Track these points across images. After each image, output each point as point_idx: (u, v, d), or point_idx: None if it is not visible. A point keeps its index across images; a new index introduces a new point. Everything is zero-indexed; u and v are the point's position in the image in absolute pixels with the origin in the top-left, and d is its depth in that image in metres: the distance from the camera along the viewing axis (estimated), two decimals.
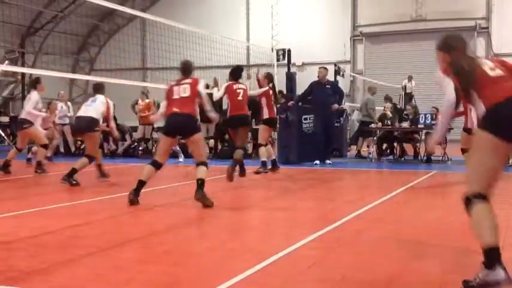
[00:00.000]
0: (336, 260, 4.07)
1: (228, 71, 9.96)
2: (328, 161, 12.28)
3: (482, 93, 3.40)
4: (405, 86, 21.25)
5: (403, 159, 13.32)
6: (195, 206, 6.79)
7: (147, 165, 6.61)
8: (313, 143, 12.31)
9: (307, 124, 12.59)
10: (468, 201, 3.41)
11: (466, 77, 3.51)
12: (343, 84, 16.29)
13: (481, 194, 3.42)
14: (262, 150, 10.18)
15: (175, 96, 6.60)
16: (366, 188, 9.11)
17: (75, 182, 8.21)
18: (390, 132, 13.19)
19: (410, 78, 19.94)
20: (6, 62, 23.87)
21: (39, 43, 26.44)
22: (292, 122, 12.32)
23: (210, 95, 13.74)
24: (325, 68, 12.60)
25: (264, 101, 10.14)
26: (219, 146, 14.81)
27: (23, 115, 9.90)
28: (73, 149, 15.37)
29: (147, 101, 14.88)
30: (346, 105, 17.38)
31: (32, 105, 9.72)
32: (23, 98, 25.62)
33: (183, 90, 6.60)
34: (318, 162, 12.22)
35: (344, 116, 14.21)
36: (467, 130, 8.22)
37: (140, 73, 28.16)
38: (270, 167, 10.28)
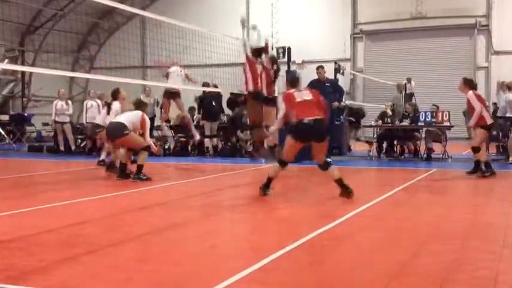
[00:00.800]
0: (337, 258, 4.06)
1: (227, 69, 9.97)
2: (328, 159, 12.23)
3: None
4: (405, 85, 21.22)
5: (403, 157, 13.30)
6: (195, 204, 6.79)
7: (275, 163, 7.06)
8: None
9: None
10: None
11: None
12: (344, 82, 16.28)
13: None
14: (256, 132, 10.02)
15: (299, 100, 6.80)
16: (366, 186, 9.10)
17: (145, 177, 8.39)
18: (390, 130, 13.18)
19: (409, 80, 19.89)
20: (6, 60, 23.85)
21: (39, 41, 26.41)
22: None
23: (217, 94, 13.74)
24: (322, 67, 12.59)
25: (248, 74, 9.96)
26: (219, 145, 14.81)
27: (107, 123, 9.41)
28: (73, 147, 15.35)
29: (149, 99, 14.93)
30: (346, 103, 17.35)
31: (113, 115, 9.44)
32: (23, 96, 25.77)
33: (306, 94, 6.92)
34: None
35: (344, 114, 14.18)
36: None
37: (140, 71, 28.14)
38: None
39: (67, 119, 15.31)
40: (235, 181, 8.78)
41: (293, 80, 7.20)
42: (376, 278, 3.50)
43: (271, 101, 9.81)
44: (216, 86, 14.69)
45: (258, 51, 10.14)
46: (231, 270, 3.60)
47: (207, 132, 14.30)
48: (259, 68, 9.96)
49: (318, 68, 12.77)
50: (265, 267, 3.73)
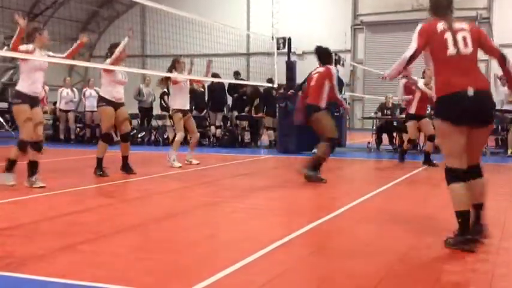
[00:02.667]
0: (335, 249, 4.08)
1: (228, 59, 9.82)
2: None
3: None
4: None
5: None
6: (195, 194, 6.80)
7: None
8: (312, 132, 12.28)
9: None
10: None
11: None
12: (343, 73, 16.25)
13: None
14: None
15: None
16: (365, 178, 9.12)
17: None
18: (390, 122, 13.17)
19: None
20: (5, 47, 23.76)
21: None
22: (292, 111, 12.29)
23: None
24: None
25: None
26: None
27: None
28: (73, 136, 15.32)
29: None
30: (346, 94, 17.33)
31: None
32: None
33: None
34: (316, 151, 12.20)
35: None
36: None
37: (140, 60, 28.07)
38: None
39: (72, 107, 15.26)
40: (232, 171, 8.79)
41: None
42: (374, 269, 3.52)
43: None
44: (218, 76, 14.65)
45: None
46: (230, 259, 3.62)
47: (218, 123, 14.32)
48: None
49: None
50: (263, 257, 3.75)
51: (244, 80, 15.80)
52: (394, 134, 13.36)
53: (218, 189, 7.28)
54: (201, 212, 5.64)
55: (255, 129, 14.77)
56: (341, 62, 14.62)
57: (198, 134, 10.01)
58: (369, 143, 13.32)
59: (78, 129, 15.59)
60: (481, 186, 4.20)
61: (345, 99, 14.62)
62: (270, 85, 14.30)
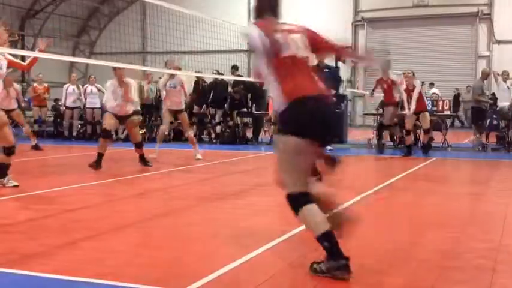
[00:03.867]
0: None
1: (228, 55, 9.77)
2: (328, 147, 12.24)
3: None
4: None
5: (402, 145, 13.29)
6: (195, 190, 6.80)
7: None
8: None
9: None
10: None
11: None
12: (344, 70, 16.26)
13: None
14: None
15: None
16: (366, 174, 9.11)
17: None
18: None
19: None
20: (6, 44, 23.74)
21: (39, 26, 26.30)
22: None
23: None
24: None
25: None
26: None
27: None
28: (75, 133, 15.28)
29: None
30: (348, 91, 17.33)
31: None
32: (23, 81, 25.68)
33: None
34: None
35: (345, 102, 14.15)
36: None
37: (140, 57, 28.05)
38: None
39: (78, 104, 15.22)
40: (234, 168, 8.79)
41: None
42: (375, 266, 3.51)
43: None
44: (220, 73, 14.62)
45: None
46: (231, 256, 3.61)
47: (218, 119, 14.33)
48: None
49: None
50: (264, 254, 3.75)
51: (242, 76, 15.72)
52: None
53: (219, 185, 7.28)
54: (202, 208, 5.63)
55: (256, 125, 14.76)
56: (342, 59, 14.58)
57: (191, 131, 10.03)
58: (369, 139, 13.31)
59: (79, 125, 15.57)
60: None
61: (345, 95, 14.64)
62: None
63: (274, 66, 3.35)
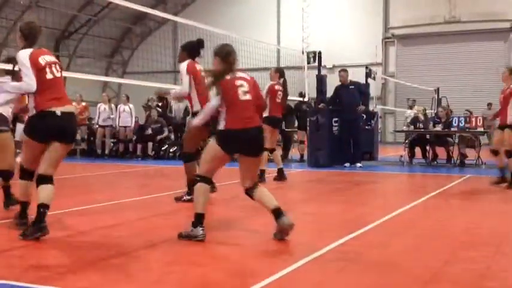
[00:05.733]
0: (367, 263, 4.03)
1: (258, 73, 9.82)
2: (358, 164, 12.20)
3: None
4: (438, 89, 20.92)
5: (435, 162, 13.11)
6: (226, 207, 6.82)
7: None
8: (343, 145, 12.28)
9: (337, 127, 12.54)
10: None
11: None
12: (375, 87, 16.17)
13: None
14: (275, 155, 9.34)
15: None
16: (398, 192, 9.00)
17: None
18: (422, 135, 13.01)
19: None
20: None
21: (73, 46, 26.96)
22: (322, 125, 12.28)
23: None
24: (345, 70, 12.46)
25: (267, 97, 8.72)
26: None
27: None
28: (107, 151, 15.53)
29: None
30: (378, 108, 17.21)
31: None
32: None
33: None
34: (347, 165, 12.16)
35: (375, 118, 14.07)
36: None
37: (172, 76, 28.44)
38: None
39: (110, 123, 15.50)
40: (265, 185, 8.76)
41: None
42: (408, 285, 3.46)
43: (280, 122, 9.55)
44: None
45: (282, 71, 9.40)
46: (260, 274, 3.60)
47: None
48: (277, 87, 9.10)
49: (339, 72, 12.70)
50: (295, 272, 3.72)
51: None
52: (427, 147, 13.18)
53: (248, 203, 7.28)
54: (232, 225, 5.64)
55: (286, 143, 14.76)
56: (372, 75, 14.55)
57: None
58: (401, 156, 13.17)
59: (111, 143, 15.83)
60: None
61: (376, 112, 14.56)
62: (301, 99, 14.31)
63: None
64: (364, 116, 12.98)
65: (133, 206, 6.97)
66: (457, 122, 12.29)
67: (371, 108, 14.31)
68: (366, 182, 10.05)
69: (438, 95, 19.46)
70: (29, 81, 4.60)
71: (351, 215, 6.32)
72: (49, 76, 4.72)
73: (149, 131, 15.04)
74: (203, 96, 6.42)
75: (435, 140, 13.01)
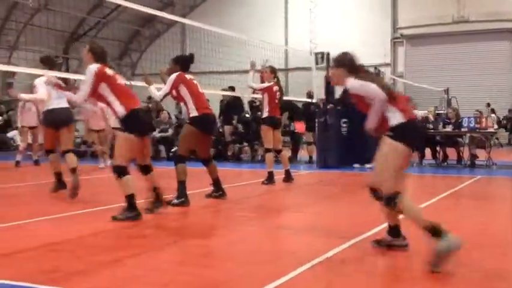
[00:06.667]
0: (375, 267, 4.01)
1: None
2: (368, 165, 12.15)
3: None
4: (447, 89, 20.84)
5: (445, 163, 13.05)
6: (235, 209, 6.82)
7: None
8: (352, 146, 12.25)
9: (346, 127, 12.51)
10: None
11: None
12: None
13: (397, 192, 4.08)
14: (268, 156, 9.11)
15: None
16: (408, 193, 8.95)
17: None
18: (432, 136, 12.94)
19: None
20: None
21: (82, 49, 27.09)
22: (331, 126, 12.25)
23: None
24: None
25: (266, 98, 8.95)
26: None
27: None
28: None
29: None
30: None
31: None
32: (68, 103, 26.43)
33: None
34: (357, 165, 12.12)
35: None
36: None
37: None
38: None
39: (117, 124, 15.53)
40: (270, 187, 8.76)
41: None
42: (417, 285, 3.44)
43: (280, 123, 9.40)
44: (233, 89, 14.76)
45: (275, 70, 9.37)
46: (269, 276, 3.60)
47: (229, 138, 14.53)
48: (275, 88, 9.02)
49: None
50: (303, 274, 3.72)
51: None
52: (438, 148, 13.12)
53: (257, 204, 7.28)
54: (241, 227, 5.64)
55: (295, 144, 14.75)
56: (381, 76, 14.50)
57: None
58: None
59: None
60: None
61: None
62: (309, 100, 14.29)
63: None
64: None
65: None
66: (467, 122, 12.23)
67: None
68: None
69: (448, 95, 19.38)
70: (83, 93, 5.66)
71: (360, 217, 6.30)
72: (120, 82, 5.76)
73: (157, 134, 15.07)
74: (200, 101, 6.86)
75: (445, 141, 12.95)
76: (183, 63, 7.02)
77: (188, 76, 6.90)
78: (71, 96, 5.83)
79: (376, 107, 4.09)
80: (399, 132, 3.99)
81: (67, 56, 26.34)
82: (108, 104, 5.69)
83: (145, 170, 6.04)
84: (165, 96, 6.86)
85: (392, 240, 4.34)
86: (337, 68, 4.46)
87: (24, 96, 8.73)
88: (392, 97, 4.10)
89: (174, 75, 6.82)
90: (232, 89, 14.56)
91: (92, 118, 12.86)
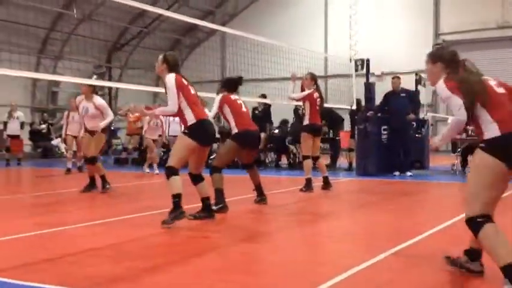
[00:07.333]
0: (416, 276, 3.95)
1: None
2: (409, 173, 12.00)
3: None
4: None
5: None
6: (275, 216, 6.83)
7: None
8: (393, 154, 12.10)
9: (386, 135, 12.38)
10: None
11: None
12: (425, 94, 15.87)
13: (485, 215, 3.56)
14: (306, 163, 9.07)
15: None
16: (449, 202, 8.79)
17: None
18: (475, 143, 12.64)
19: None
20: (95, 76, 25.11)
21: (124, 58, 27.60)
22: (371, 133, 12.15)
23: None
24: (398, 77, 12.40)
25: (307, 105, 9.01)
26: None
27: None
28: (157, 160, 15.76)
29: None
30: (429, 115, 16.87)
31: None
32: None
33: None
34: (397, 173, 11.97)
35: (426, 126, 13.80)
36: None
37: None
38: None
39: (159, 132, 15.72)
40: (309, 195, 8.73)
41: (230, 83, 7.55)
42: None
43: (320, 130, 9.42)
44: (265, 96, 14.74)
45: (316, 77, 9.35)
46: (309, 283, 3.59)
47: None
48: (315, 95, 9.05)
49: (392, 78, 12.61)
50: (343, 282, 3.70)
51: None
52: None
53: (296, 212, 7.28)
54: (281, 234, 5.65)
55: (334, 152, 14.66)
56: (422, 82, 14.30)
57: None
58: (453, 165, 12.86)
59: (161, 153, 16.07)
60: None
61: (426, 120, 14.27)
62: (348, 107, 14.21)
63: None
64: (414, 124, 12.77)
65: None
66: None
67: (421, 115, 14.05)
68: (417, 192, 9.87)
69: None
70: (173, 102, 5.85)
71: (400, 225, 6.22)
72: (193, 92, 6.06)
73: None
74: (241, 119, 7.27)
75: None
76: (230, 85, 7.58)
77: (233, 97, 7.37)
78: (163, 110, 6.13)
79: (451, 124, 3.69)
80: (490, 145, 3.57)
81: (110, 65, 26.90)
82: (181, 111, 5.90)
83: (196, 179, 6.25)
84: (215, 115, 7.53)
85: (467, 262, 3.86)
86: (433, 63, 3.86)
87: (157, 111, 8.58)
88: (487, 102, 3.56)
89: (219, 97, 7.37)
90: (264, 96, 14.59)
91: (148, 128, 13.76)
